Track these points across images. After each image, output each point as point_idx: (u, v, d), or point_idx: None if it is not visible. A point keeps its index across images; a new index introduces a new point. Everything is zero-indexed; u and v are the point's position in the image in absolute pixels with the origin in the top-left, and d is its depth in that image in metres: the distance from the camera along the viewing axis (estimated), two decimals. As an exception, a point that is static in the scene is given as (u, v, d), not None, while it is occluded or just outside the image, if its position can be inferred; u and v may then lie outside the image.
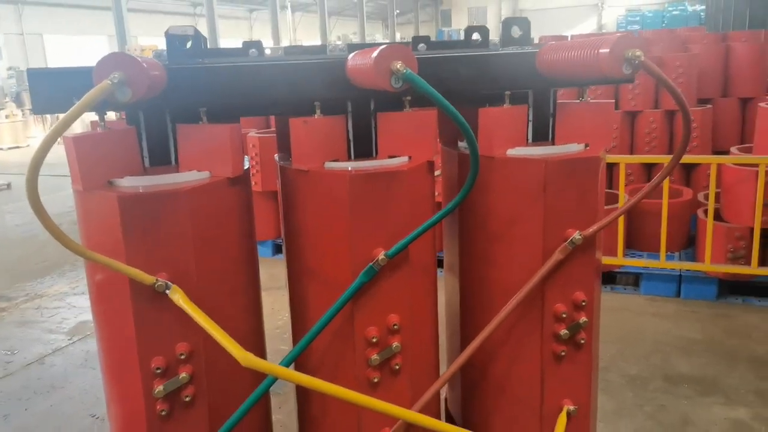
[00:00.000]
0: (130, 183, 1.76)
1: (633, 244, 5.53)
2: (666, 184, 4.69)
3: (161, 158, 1.90)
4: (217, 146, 1.82)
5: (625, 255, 5.26)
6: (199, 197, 1.75)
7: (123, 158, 1.80)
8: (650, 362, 3.93)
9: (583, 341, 2.04)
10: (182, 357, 1.78)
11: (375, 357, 1.89)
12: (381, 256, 1.82)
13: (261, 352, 2.09)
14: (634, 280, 5.24)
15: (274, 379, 1.81)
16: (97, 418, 3.62)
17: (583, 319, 2.02)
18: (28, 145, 17.81)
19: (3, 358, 4.54)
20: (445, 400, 2.66)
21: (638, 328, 4.44)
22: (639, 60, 1.60)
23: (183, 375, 1.78)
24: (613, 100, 2.17)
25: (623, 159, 5.04)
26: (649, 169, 6.44)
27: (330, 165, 1.90)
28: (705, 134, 6.38)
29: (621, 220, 4.83)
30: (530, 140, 2.14)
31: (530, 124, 2.12)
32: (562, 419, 2.04)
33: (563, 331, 2.00)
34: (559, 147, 2.05)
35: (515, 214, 2.02)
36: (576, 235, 1.94)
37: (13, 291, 5.98)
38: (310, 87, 1.86)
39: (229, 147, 1.82)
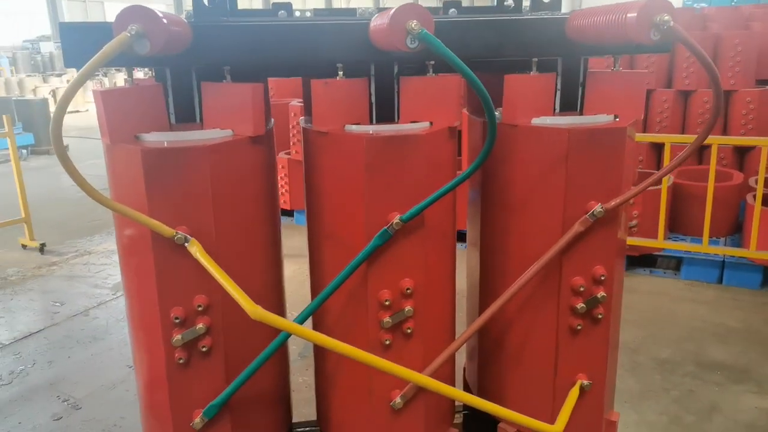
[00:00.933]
0: (155, 138, 1.81)
1: (678, 228, 5.36)
2: (713, 166, 4.51)
3: (187, 115, 1.95)
4: (239, 105, 1.85)
5: (668, 238, 5.12)
6: (219, 154, 1.79)
7: (149, 114, 1.85)
8: (683, 347, 3.84)
9: (600, 316, 2.01)
10: (200, 309, 1.84)
11: (387, 320, 1.91)
12: (396, 220, 1.83)
13: (279, 309, 2.14)
14: (676, 264, 5.08)
15: (288, 335, 1.86)
16: (133, 368, 3.77)
17: (601, 293, 1.98)
18: (87, 110, 18.40)
19: (51, 308, 4.77)
20: (464, 370, 2.67)
21: (674, 313, 4.33)
22: (668, 25, 1.54)
23: (200, 326, 1.84)
24: (648, 72, 2.09)
25: (668, 138, 4.86)
26: (701, 150, 6.21)
27: (350, 128, 1.91)
28: (763, 116, 6.08)
29: (663, 202, 4.69)
30: (557, 110, 2.09)
31: (558, 93, 2.08)
32: (574, 393, 2.02)
33: (580, 305, 1.98)
34: (586, 117, 2.00)
35: (536, 184, 1.99)
36: (598, 208, 1.90)
37: (65, 247, 6.25)
38: (333, 48, 1.86)
39: (250, 106, 1.84)
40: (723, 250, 4.76)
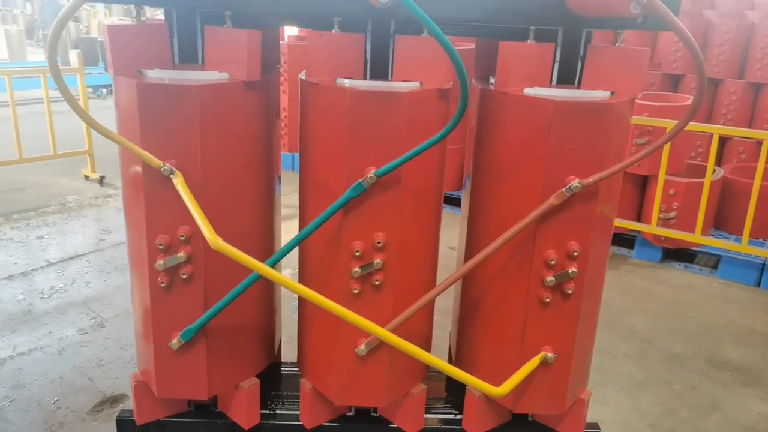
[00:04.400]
0: (155, 74, 1.93)
1: (723, 225, 5.15)
2: (761, 163, 4.29)
3: (190, 56, 2.06)
4: (235, 49, 1.94)
5: (710, 234, 4.93)
6: (209, 95, 1.88)
7: (153, 51, 1.97)
8: (698, 344, 3.74)
9: (570, 291, 2.02)
10: (182, 238, 1.97)
11: (356, 269, 1.99)
12: (370, 174, 1.89)
13: (266, 253, 2.24)
14: (715, 262, 4.90)
15: (258, 275, 1.96)
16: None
17: (572, 269, 1.98)
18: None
19: (99, 236, 5.12)
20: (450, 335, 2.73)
21: (699, 309, 4.21)
22: (646, -1, 1.51)
23: (181, 254, 1.98)
24: (648, 49, 2.03)
25: (716, 129, 4.63)
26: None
27: (340, 81, 1.96)
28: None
29: (704, 196, 4.51)
30: (555, 82, 2.08)
31: (557, 64, 2.06)
32: (533, 363, 2.05)
33: (549, 278, 1.99)
34: (579, 91, 1.98)
35: (520, 154, 1.99)
36: (575, 183, 1.89)
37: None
38: (330, 1, 1.90)
39: (245, 51, 1.92)
40: (764, 252, 4.55)
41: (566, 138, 1.90)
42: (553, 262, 1.99)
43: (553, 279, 1.99)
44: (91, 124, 1.82)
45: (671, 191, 4.73)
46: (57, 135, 6.18)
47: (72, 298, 3.98)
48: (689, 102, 5.05)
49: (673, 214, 4.76)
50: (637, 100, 4.81)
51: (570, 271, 1.99)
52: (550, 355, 2.09)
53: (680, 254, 4.96)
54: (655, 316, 4.06)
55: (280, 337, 2.69)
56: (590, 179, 1.89)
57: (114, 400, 2.96)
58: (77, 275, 4.32)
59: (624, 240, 5.19)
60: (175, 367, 2.14)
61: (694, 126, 4.63)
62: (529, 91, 1.97)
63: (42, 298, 3.97)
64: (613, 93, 1.97)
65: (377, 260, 1.99)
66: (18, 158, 5.97)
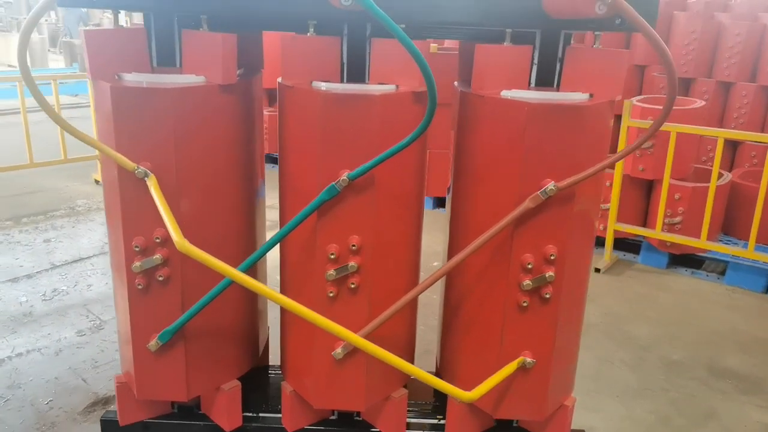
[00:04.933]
0: (132, 78, 1.95)
1: (732, 231, 5.05)
2: (767, 167, 4.20)
3: (168, 60, 2.07)
4: (210, 53, 1.95)
5: (718, 240, 4.84)
6: (182, 98, 1.90)
7: (131, 55, 1.99)
8: (699, 351, 3.67)
9: (548, 296, 1.99)
10: (158, 240, 1.98)
11: (331, 272, 1.98)
12: (343, 177, 1.89)
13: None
14: (723, 269, 4.80)
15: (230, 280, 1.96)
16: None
17: (549, 273, 1.96)
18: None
19: (104, 239, 5.17)
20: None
21: (701, 316, 4.13)
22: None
23: (157, 256, 1.99)
24: (627, 51, 2.00)
25: (721, 133, 4.55)
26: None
27: (316, 84, 1.97)
28: None
29: (709, 201, 4.43)
30: (533, 84, 2.06)
31: (535, 67, 2.04)
32: (509, 368, 2.03)
33: (526, 282, 1.96)
34: (556, 93, 1.96)
35: (496, 157, 1.98)
36: (550, 186, 1.87)
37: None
38: (303, 4, 1.90)
39: (220, 54, 1.94)
40: (770, 258, 4.46)
41: (541, 140, 1.88)
42: (530, 266, 1.97)
43: (530, 283, 1.97)
44: (66, 128, 1.84)
45: (677, 196, 4.66)
46: (68, 140, 6.26)
47: (73, 300, 4.03)
48: (696, 105, 4.98)
49: (678, 219, 4.68)
50: (641, 104, 4.78)
51: (547, 275, 1.96)
52: (528, 360, 2.07)
53: (687, 260, 4.88)
54: (656, 323, 4.00)
55: (266, 339, 2.70)
56: (565, 182, 1.87)
57: (106, 401, 2.99)
58: (80, 278, 4.38)
59: (629, 245, 5.12)
60: (154, 368, 2.16)
61: (700, 130, 4.56)
62: (506, 93, 1.95)
63: (44, 300, 4.03)
64: (591, 95, 1.95)
65: (352, 263, 1.99)
66: (29, 163, 6.07)
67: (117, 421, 2.35)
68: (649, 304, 4.28)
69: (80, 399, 3.01)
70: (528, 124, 1.87)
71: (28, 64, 1.67)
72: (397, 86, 1.97)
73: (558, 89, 2.02)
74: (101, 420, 2.38)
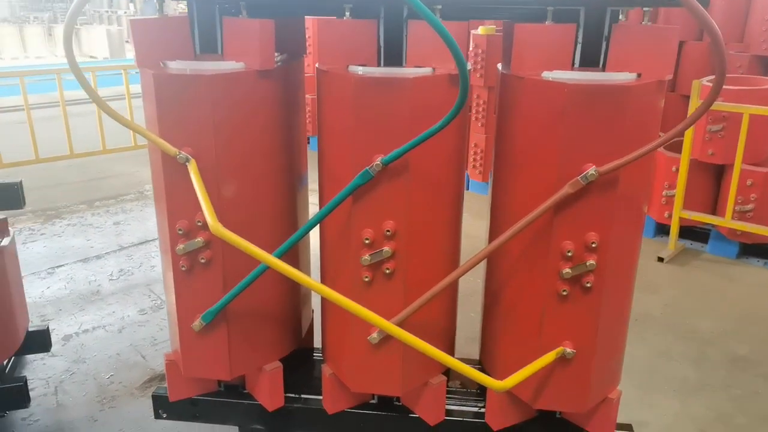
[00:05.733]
0: (176, 65, 2.01)
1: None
2: None
3: (210, 47, 2.12)
4: (249, 39, 1.98)
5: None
6: (221, 84, 1.93)
7: (175, 43, 2.05)
8: (766, 347, 3.46)
9: (589, 285, 1.92)
10: (199, 224, 2.04)
11: (366, 257, 1.99)
12: (377, 161, 1.88)
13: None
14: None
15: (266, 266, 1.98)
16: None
17: (590, 261, 1.89)
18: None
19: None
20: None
21: (774, 310, 3.89)
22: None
23: (199, 239, 2.05)
24: (677, 27, 1.87)
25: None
26: None
27: (353, 68, 1.96)
28: None
29: (786, 186, 4.14)
30: (577, 64, 1.98)
31: (579, 46, 1.96)
32: (547, 358, 1.97)
33: (566, 270, 1.90)
34: (600, 74, 1.87)
35: (535, 141, 1.92)
36: (591, 170, 1.80)
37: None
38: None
39: (258, 40, 1.96)
40: None
41: (582, 123, 1.81)
42: (570, 254, 1.90)
43: (570, 271, 1.90)
44: (112, 114, 1.91)
45: (749, 182, 4.39)
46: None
47: (137, 280, 4.23)
48: (774, 85, 4.65)
49: (750, 206, 4.41)
50: (711, 84, 4.50)
51: (588, 264, 1.89)
52: (568, 350, 2.00)
53: (760, 250, 4.60)
54: (721, 316, 3.79)
55: (309, 322, 2.74)
56: (607, 167, 1.79)
57: (162, 377, 3.12)
58: (144, 259, 4.58)
59: (697, 234, 4.87)
60: (198, 347, 2.23)
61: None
62: (547, 74, 1.88)
63: (111, 279, 4.24)
64: (639, 75, 1.85)
65: (386, 248, 1.98)
66: (102, 149, 6.39)
67: (167, 396, 2.45)
68: (715, 296, 4.07)
69: (139, 374, 3.16)
70: (567, 107, 1.79)
71: (74, 55, 1.74)
72: (434, 69, 1.93)
73: (604, 69, 1.93)
74: (153, 395, 2.49)
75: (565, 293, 1.95)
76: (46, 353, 3.16)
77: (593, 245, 1.88)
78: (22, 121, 6.62)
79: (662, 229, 5.01)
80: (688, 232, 4.88)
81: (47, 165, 6.58)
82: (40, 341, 2.99)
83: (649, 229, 5.03)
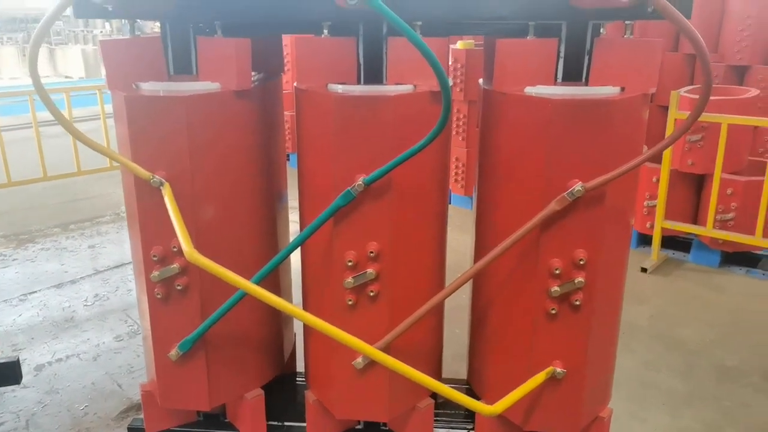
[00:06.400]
0: (149, 87, 1.94)
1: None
2: (828, 158, 3.92)
3: (185, 67, 2.05)
4: (224, 59, 1.92)
5: (775, 236, 4.56)
6: (196, 105, 1.87)
7: (148, 64, 1.98)
8: (755, 357, 3.45)
9: (578, 303, 1.88)
10: (175, 249, 1.96)
11: (349, 280, 1.93)
12: (359, 181, 1.82)
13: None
14: (784, 266, 4.52)
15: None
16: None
17: (578, 279, 1.85)
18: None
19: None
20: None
21: (757, 318, 3.88)
22: (634, -15, 1.37)
23: (174, 266, 1.97)
24: (661, 40, 1.86)
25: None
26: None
27: (332, 87, 1.91)
28: None
29: (765, 195, 4.17)
30: (560, 79, 1.95)
31: (561, 60, 1.93)
32: (537, 379, 1.92)
33: (554, 288, 1.86)
34: (584, 89, 1.84)
35: (520, 157, 1.88)
36: (577, 186, 1.76)
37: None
38: (311, 5, 1.84)
39: (234, 60, 1.90)
40: (835, 256, 4.16)
41: (567, 139, 1.77)
42: (557, 271, 1.86)
43: (558, 289, 1.86)
44: (79, 137, 1.84)
45: (729, 191, 4.40)
46: (113, 148, 6.42)
47: (113, 306, 4.10)
48: (749, 95, 4.70)
49: (731, 215, 4.43)
50: (690, 95, 4.54)
51: (576, 281, 1.85)
52: (559, 370, 1.96)
53: (742, 258, 4.62)
54: (706, 325, 3.78)
55: (292, 346, 2.66)
56: (593, 182, 1.76)
57: (139, 407, 2.99)
58: (121, 282, 4.46)
59: (679, 243, 4.88)
60: (175, 377, 2.15)
61: (753, 120, 4.30)
62: (529, 90, 1.85)
63: (85, 305, 4.11)
64: (623, 89, 1.83)
65: (370, 270, 1.92)
66: (77, 171, 6.26)
67: (143, 428, 2.35)
68: (700, 306, 4.06)
69: (115, 404, 3.04)
70: (551, 122, 1.76)
71: (39, 75, 1.67)
72: (415, 86, 1.89)
73: (587, 84, 1.91)
74: (128, 428, 2.40)
75: (554, 312, 1.90)
76: (14, 386, 3.03)
77: (581, 262, 1.84)
78: (-7, 143, 6.47)
79: (644, 240, 5.01)
80: (671, 241, 4.88)
81: (21, 188, 6.42)
82: (10, 373, 2.87)
83: (632, 239, 5.02)
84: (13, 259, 4.91)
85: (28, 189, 6.49)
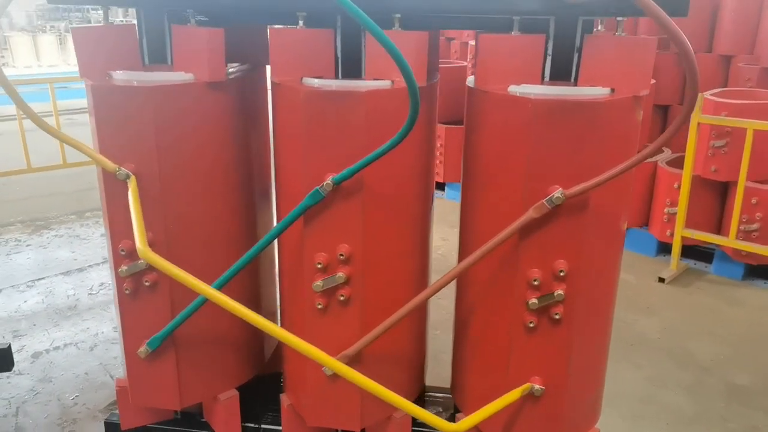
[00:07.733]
0: (122, 76, 1.89)
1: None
2: None
3: (159, 57, 2.00)
4: (197, 49, 1.85)
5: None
6: (164, 97, 1.81)
7: (121, 53, 1.93)
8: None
9: (557, 316, 1.76)
10: (143, 244, 1.91)
11: (318, 283, 1.85)
12: (328, 180, 1.74)
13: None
14: (811, 280, 4.29)
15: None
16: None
17: (558, 291, 1.73)
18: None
19: (158, 234, 5.28)
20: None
21: (778, 336, 3.69)
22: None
23: (142, 261, 1.92)
24: (654, 38, 1.72)
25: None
26: None
27: (308, 81, 1.83)
28: None
29: (792, 205, 3.95)
30: (547, 78, 1.83)
31: (549, 58, 1.81)
32: (513, 395, 1.81)
33: (532, 301, 1.75)
34: (570, 89, 1.73)
35: (499, 160, 1.78)
36: (557, 193, 1.65)
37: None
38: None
39: (206, 51, 1.84)
40: None
41: (549, 142, 1.66)
42: (536, 283, 1.75)
43: (536, 302, 1.75)
44: (46, 129, 1.80)
45: (754, 200, 4.19)
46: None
47: (117, 295, 4.11)
48: (781, 99, 4.46)
49: (756, 225, 4.21)
50: (714, 98, 4.33)
51: (556, 294, 1.74)
52: (537, 387, 1.85)
53: (766, 271, 4.39)
54: (719, 341, 3.60)
55: (274, 346, 2.60)
56: (574, 189, 1.64)
57: (128, 399, 2.99)
58: (127, 273, 4.47)
59: (701, 253, 4.66)
60: (146, 375, 2.10)
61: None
62: (513, 89, 1.74)
63: (90, 294, 4.13)
64: (613, 90, 1.71)
65: (340, 274, 1.84)
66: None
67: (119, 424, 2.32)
68: (717, 320, 3.87)
69: (104, 396, 3.03)
70: (531, 123, 1.65)
71: (2, 68, 1.63)
72: (393, 82, 1.80)
73: (575, 83, 1.79)
74: (105, 422, 2.37)
75: (532, 325, 1.79)
76: (11, 372, 3.05)
77: (561, 274, 1.73)
78: (14, 131, 6.58)
79: (664, 248, 4.80)
80: (692, 251, 4.67)
81: (41, 174, 6.52)
82: (0, 360, 2.88)
83: (650, 247, 4.84)
84: (27, 245, 4.98)
85: (48, 175, 6.59)
